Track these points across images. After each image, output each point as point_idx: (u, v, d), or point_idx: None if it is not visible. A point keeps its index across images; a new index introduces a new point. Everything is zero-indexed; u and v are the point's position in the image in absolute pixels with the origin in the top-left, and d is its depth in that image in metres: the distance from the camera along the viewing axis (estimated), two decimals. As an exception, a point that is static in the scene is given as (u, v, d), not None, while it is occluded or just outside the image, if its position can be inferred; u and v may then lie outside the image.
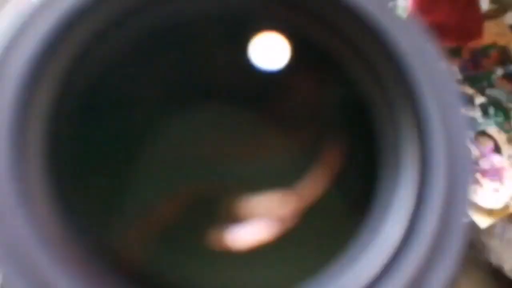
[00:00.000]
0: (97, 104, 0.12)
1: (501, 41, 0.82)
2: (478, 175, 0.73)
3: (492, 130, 0.76)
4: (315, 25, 0.13)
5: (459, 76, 0.79)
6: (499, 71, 0.80)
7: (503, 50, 0.81)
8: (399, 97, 0.12)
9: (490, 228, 0.83)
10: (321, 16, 0.13)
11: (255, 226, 0.13)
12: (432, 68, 0.12)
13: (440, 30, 0.76)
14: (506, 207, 0.72)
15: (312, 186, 0.13)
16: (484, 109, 0.77)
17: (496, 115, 0.77)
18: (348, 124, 0.13)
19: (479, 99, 0.78)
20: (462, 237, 0.11)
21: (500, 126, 0.76)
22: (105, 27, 0.12)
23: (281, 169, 0.14)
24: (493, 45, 0.81)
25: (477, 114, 0.77)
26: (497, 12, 0.81)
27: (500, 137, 0.76)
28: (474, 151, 0.75)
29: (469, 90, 0.78)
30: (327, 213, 0.13)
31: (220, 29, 0.14)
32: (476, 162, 0.75)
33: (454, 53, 0.80)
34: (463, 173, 0.11)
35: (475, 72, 0.79)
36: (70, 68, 0.11)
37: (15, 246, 0.09)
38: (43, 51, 0.11)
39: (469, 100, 0.78)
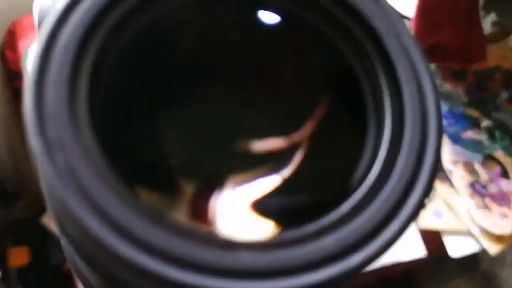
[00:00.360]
0: (131, 59, 0.14)
1: (505, 64, 0.83)
2: (487, 200, 0.74)
3: (499, 154, 0.77)
4: (308, 9, 0.15)
5: (465, 99, 0.80)
6: (504, 94, 0.81)
7: (507, 73, 0.83)
8: (375, 61, 0.13)
9: (501, 258, 0.83)
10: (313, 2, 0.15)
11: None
12: (399, 35, 0.13)
13: (444, 52, 0.77)
14: (515, 232, 0.72)
15: (307, 133, 0.15)
16: (490, 132, 0.78)
17: (502, 138, 0.78)
18: (337, 85, 0.15)
19: (485, 122, 0.79)
20: (433, 174, 0.12)
21: (507, 150, 0.77)
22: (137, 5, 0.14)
23: (280, 122, 0.15)
24: (497, 68, 0.83)
25: (483, 137, 0.78)
26: (500, 35, 0.83)
27: (507, 161, 0.77)
28: (483, 176, 0.75)
29: (475, 113, 0.79)
30: (324, 156, 0.15)
31: (220, 12, 0.15)
32: (484, 187, 0.75)
33: (458, 76, 0.81)
34: (433, 121, 0.12)
35: (480, 95, 0.81)
36: (112, 33, 0.13)
37: (71, 170, 0.11)
38: (97, 14, 0.13)
39: (475, 123, 0.79)
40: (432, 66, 0.81)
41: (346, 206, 0.13)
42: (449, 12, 0.74)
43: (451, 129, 0.78)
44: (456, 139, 0.77)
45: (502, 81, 0.83)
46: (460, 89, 0.81)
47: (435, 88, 0.13)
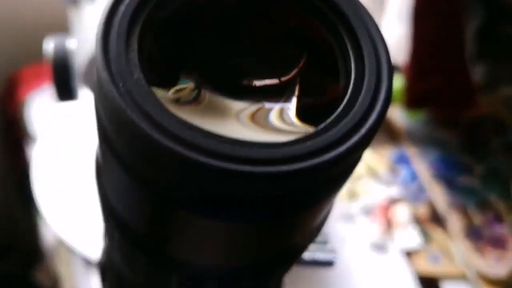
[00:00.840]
0: (174, 23, 0.21)
1: (496, 112, 0.90)
2: (482, 244, 0.79)
3: (492, 199, 0.83)
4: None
5: (457, 146, 0.87)
6: (496, 141, 0.88)
7: (498, 120, 0.90)
8: (344, 34, 0.20)
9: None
10: None
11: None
12: (362, 17, 0.20)
13: (435, 99, 0.84)
14: (509, 275, 0.76)
15: (294, 76, 0.21)
16: (483, 178, 0.84)
17: (495, 184, 0.84)
18: (316, 50, 0.22)
19: (478, 169, 0.85)
20: (385, 105, 0.19)
21: (500, 195, 0.83)
22: None
23: (273, 70, 0.22)
24: (488, 116, 0.89)
25: (476, 183, 0.84)
26: (490, 85, 0.90)
27: (501, 206, 0.82)
28: (477, 220, 0.80)
29: (467, 160, 0.85)
30: (308, 94, 0.21)
31: None
32: (478, 231, 0.80)
33: (451, 123, 0.88)
34: (385, 73, 0.19)
35: (472, 142, 0.87)
36: (158, 7, 0.20)
37: (128, 92, 0.17)
38: None
39: (468, 169, 0.85)
40: (425, 113, 0.88)
41: (323, 124, 0.19)
42: (438, 61, 0.81)
43: (444, 175, 0.84)
44: (449, 184, 0.83)
45: (494, 129, 0.89)
46: (453, 136, 0.88)
47: (387, 51, 0.20)
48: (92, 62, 0.48)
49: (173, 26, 0.21)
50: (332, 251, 0.35)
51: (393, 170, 0.84)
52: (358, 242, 0.77)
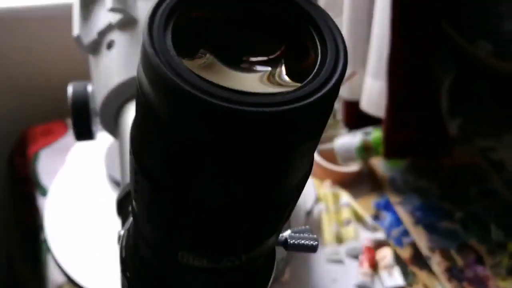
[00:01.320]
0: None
1: (473, 162, 0.99)
2: (464, 284, 0.85)
3: (473, 242, 0.90)
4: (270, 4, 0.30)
5: (438, 193, 0.95)
6: (474, 189, 0.96)
7: (475, 169, 0.98)
8: (312, 30, 0.28)
9: None
10: None
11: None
12: (324, 17, 0.28)
13: (412, 149, 0.92)
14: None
15: (279, 56, 0.29)
16: (463, 223, 0.92)
17: (475, 228, 0.91)
18: (292, 40, 0.29)
19: (458, 214, 0.93)
20: (342, 73, 0.26)
21: (480, 239, 0.90)
22: None
23: (262, 50, 0.29)
24: (466, 165, 0.98)
25: (457, 227, 0.91)
26: (466, 137, 0.99)
27: (481, 249, 0.89)
28: (459, 262, 0.87)
29: (448, 206, 0.94)
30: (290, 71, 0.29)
31: None
32: (461, 271, 0.87)
33: (431, 172, 0.96)
34: (342, 46, 0.27)
35: (452, 190, 0.95)
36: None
37: (167, 61, 0.25)
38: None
39: (448, 215, 0.92)
40: (406, 162, 0.97)
41: (304, 83, 0.26)
42: (414, 114, 0.88)
43: (426, 220, 0.92)
44: (431, 229, 0.90)
45: (471, 177, 0.98)
46: (433, 184, 0.96)
47: (342, 39, 0.28)
48: (107, 100, 0.55)
49: (196, 21, 0.29)
50: (315, 239, 0.43)
51: (377, 216, 0.91)
52: (347, 283, 0.83)
